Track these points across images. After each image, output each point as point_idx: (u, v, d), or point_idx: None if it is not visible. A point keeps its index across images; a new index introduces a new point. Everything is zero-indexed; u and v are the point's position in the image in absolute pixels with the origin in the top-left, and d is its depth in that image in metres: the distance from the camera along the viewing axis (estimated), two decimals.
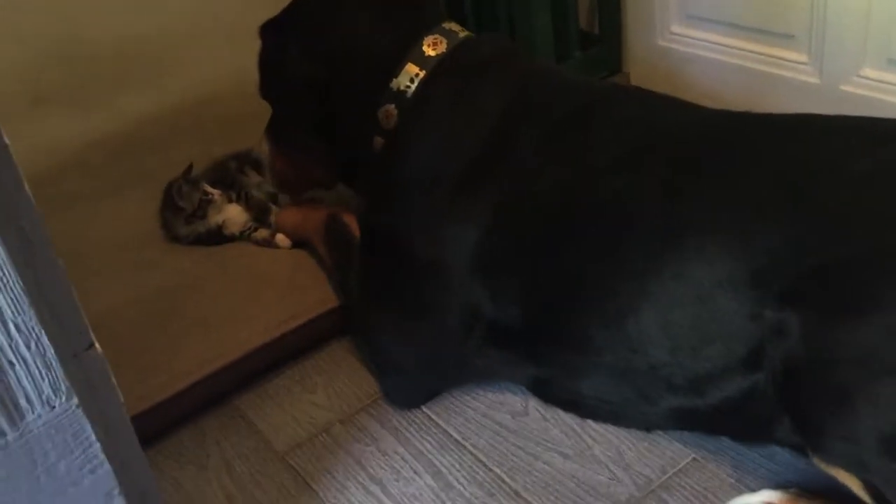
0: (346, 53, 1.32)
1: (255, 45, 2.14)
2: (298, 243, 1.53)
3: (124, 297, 1.45)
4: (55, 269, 0.87)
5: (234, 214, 1.59)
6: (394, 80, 1.27)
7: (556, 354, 1.16)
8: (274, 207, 1.62)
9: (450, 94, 1.25)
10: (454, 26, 1.33)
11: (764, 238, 0.98)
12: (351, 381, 1.34)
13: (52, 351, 0.85)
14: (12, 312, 0.81)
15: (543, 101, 1.23)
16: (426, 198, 1.22)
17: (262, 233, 1.58)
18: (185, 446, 1.27)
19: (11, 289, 0.81)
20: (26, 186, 0.83)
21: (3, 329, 0.81)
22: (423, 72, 1.27)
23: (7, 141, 0.82)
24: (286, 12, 1.39)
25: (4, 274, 0.80)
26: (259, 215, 1.60)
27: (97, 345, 0.95)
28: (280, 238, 1.56)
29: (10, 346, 0.82)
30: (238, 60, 2.09)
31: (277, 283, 1.45)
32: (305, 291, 1.42)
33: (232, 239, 1.59)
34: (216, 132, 1.92)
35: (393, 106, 1.28)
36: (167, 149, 1.85)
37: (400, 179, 1.27)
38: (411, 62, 1.28)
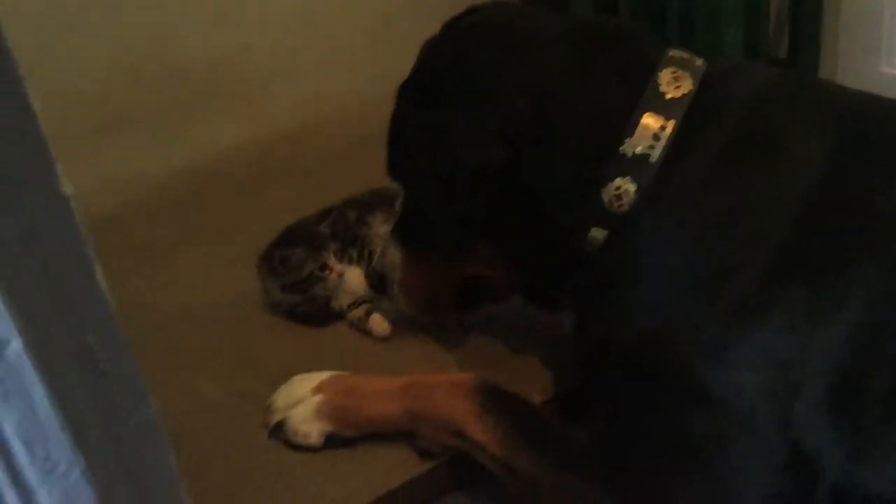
0: (540, 117, 0.90)
1: (364, 67, 1.84)
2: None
3: (211, 401, 1.08)
4: (149, 430, 0.49)
5: (352, 279, 1.19)
6: (626, 142, 0.87)
7: None
8: None
9: (732, 145, 0.85)
10: (683, 52, 0.93)
11: None
12: None
13: None
14: None
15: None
16: (716, 298, 0.82)
17: (359, 311, 1.18)
18: None
19: (60, 480, 0.43)
20: (100, 280, 0.46)
21: None
22: (671, 122, 0.87)
23: (68, 193, 0.45)
24: (435, 68, 0.98)
25: (47, 447, 0.42)
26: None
27: None
28: (375, 320, 1.16)
29: None
30: (344, 84, 1.78)
31: None
32: None
33: (339, 315, 1.20)
34: (319, 169, 1.60)
35: (629, 179, 0.87)
36: (261, 188, 1.52)
37: (659, 275, 0.86)
38: (649, 112, 0.87)
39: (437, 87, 0.95)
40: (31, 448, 0.41)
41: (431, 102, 0.95)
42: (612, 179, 0.88)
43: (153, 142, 1.64)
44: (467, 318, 1.14)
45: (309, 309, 1.19)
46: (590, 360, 0.96)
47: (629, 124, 0.87)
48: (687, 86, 0.88)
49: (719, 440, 0.80)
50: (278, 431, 1.00)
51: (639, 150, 0.87)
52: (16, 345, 0.40)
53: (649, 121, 0.87)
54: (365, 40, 1.80)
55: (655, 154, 0.86)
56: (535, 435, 0.91)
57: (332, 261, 1.17)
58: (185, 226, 1.46)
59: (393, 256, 1.09)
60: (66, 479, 0.43)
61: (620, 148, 0.87)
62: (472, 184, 0.93)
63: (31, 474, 0.41)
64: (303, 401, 1.00)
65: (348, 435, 0.99)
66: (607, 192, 0.88)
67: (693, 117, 0.87)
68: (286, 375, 1.06)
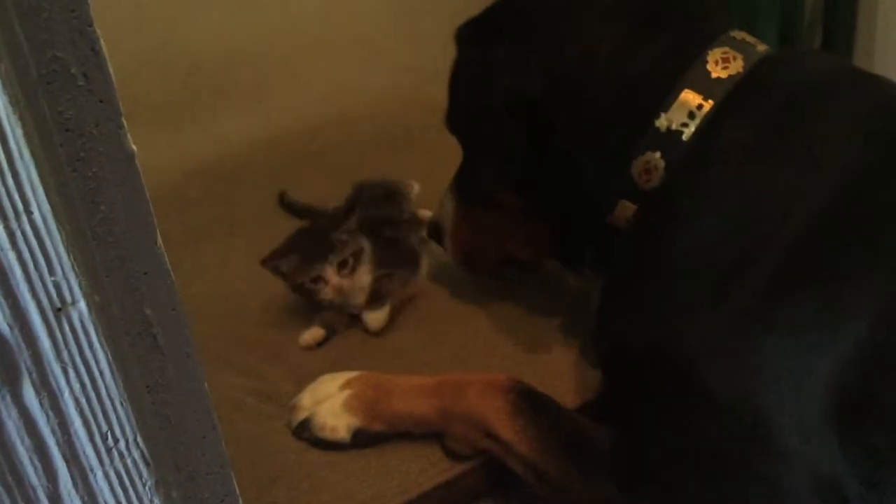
0: (582, 67, 0.89)
1: (388, 60, 1.81)
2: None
3: (234, 398, 1.03)
4: (202, 414, 0.45)
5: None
6: (661, 115, 0.84)
7: None
8: (425, 259, 1.19)
9: (763, 134, 0.81)
10: (748, 36, 0.90)
11: None
12: None
13: None
14: None
15: None
16: (724, 299, 0.77)
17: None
18: None
19: (123, 454, 0.39)
20: (160, 246, 0.43)
21: None
22: (709, 102, 0.84)
23: (133, 149, 0.42)
24: (495, 9, 0.98)
25: (113, 426, 0.39)
26: (393, 262, 1.14)
27: None
28: (373, 318, 1.11)
29: None
30: (365, 78, 1.75)
31: None
32: None
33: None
34: (340, 163, 1.54)
35: (658, 155, 0.85)
36: (281, 182, 1.46)
37: (671, 271, 0.83)
38: (689, 89, 0.84)
39: (491, 27, 0.95)
40: (91, 422, 0.38)
41: (484, 41, 0.94)
42: (643, 152, 0.85)
43: (171, 134, 1.60)
44: (504, 275, 1.15)
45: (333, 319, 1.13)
46: (607, 361, 0.93)
47: (668, 98, 0.85)
48: (736, 67, 0.85)
49: (732, 451, 0.76)
50: (304, 429, 0.96)
51: (673, 125, 0.84)
52: (81, 306, 0.36)
53: (688, 97, 0.84)
54: (389, 33, 1.77)
55: (687, 132, 0.84)
56: (564, 438, 0.87)
57: (329, 272, 1.08)
58: (204, 219, 1.41)
59: (448, 207, 1.08)
60: (124, 459, 0.39)
61: (656, 121, 0.85)
62: (506, 114, 0.91)
63: (89, 452, 0.38)
64: (331, 397, 0.96)
65: (377, 430, 0.95)
66: (637, 165, 0.86)
67: (734, 101, 0.83)
68: (311, 374, 1.02)
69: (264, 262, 1.10)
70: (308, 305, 1.13)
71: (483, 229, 1.07)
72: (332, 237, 1.10)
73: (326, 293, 1.09)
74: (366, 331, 1.12)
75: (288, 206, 1.38)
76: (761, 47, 0.88)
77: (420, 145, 1.50)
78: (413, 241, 1.20)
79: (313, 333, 1.11)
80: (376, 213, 1.19)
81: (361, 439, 0.95)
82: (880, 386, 0.72)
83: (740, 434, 0.75)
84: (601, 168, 0.89)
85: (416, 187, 1.26)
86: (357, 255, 1.10)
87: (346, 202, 1.21)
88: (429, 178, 1.23)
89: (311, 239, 1.12)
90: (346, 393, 0.96)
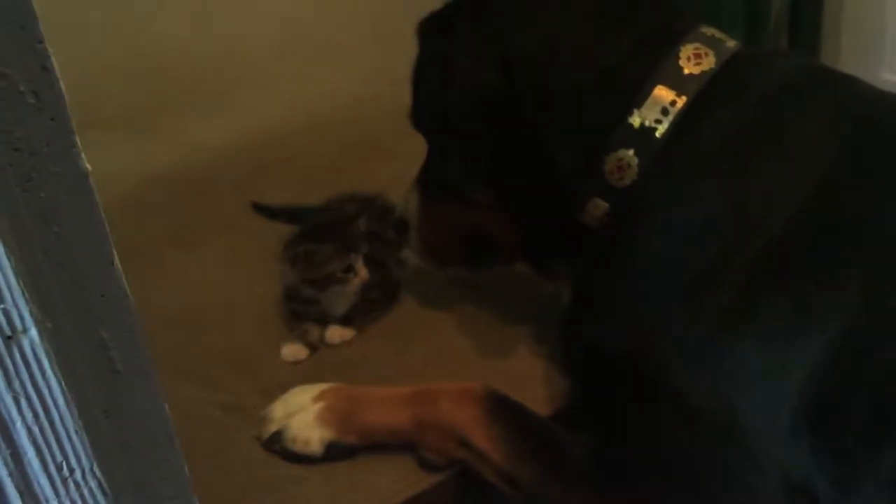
0: (548, 60, 0.87)
1: (356, 65, 1.79)
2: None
3: (200, 412, 1.00)
4: (163, 436, 0.44)
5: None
6: (634, 112, 0.83)
7: None
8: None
9: (737, 133, 0.81)
10: (717, 32, 0.89)
11: None
12: None
13: None
14: None
15: None
16: (699, 302, 0.77)
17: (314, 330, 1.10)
18: None
19: (79, 484, 0.38)
20: (118, 267, 0.41)
21: None
22: (683, 98, 0.83)
23: (87, 168, 0.40)
24: (456, 2, 0.96)
25: (69, 456, 0.37)
26: (379, 284, 1.12)
27: None
28: (337, 334, 1.10)
29: None
30: (333, 83, 1.73)
31: None
32: None
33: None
34: (309, 170, 1.53)
35: (632, 152, 0.83)
36: (249, 189, 1.45)
37: (644, 272, 0.82)
38: (662, 84, 0.83)
39: (452, 19, 0.93)
40: (45, 453, 0.36)
41: (443, 35, 0.93)
42: (616, 149, 0.84)
43: (137, 141, 1.58)
44: (474, 275, 1.14)
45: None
46: (577, 364, 0.93)
47: (641, 94, 0.84)
48: (708, 63, 0.84)
49: (706, 454, 0.77)
50: (274, 441, 0.95)
51: (647, 122, 0.83)
52: (32, 334, 0.35)
53: (661, 93, 0.83)
54: (357, 39, 1.76)
55: (662, 129, 0.83)
56: (539, 445, 0.87)
57: (360, 264, 1.07)
58: (170, 227, 1.39)
59: (413, 202, 1.07)
60: (81, 489, 0.38)
61: (628, 118, 0.84)
62: (468, 109, 0.90)
63: (44, 483, 0.36)
64: (303, 409, 0.95)
65: (349, 442, 0.93)
66: (609, 162, 0.85)
67: (707, 97, 0.83)
68: (279, 385, 1.00)
69: (288, 248, 1.08)
70: (291, 314, 1.11)
71: (449, 225, 1.05)
72: (355, 227, 1.08)
73: (354, 284, 1.07)
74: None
75: (264, 210, 1.36)
76: (731, 43, 0.88)
77: (390, 150, 1.49)
78: (394, 267, 1.17)
79: (296, 352, 1.08)
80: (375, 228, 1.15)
81: (334, 452, 0.93)
82: (851, 389, 0.73)
83: (714, 437, 0.76)
84: (572, 164, 0.88)
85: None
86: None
87: (355, 210, 1.16)
88: (399, 182, 1.21)
89: (332, 231, 1.09)
90: (319, 405, 0.95)
